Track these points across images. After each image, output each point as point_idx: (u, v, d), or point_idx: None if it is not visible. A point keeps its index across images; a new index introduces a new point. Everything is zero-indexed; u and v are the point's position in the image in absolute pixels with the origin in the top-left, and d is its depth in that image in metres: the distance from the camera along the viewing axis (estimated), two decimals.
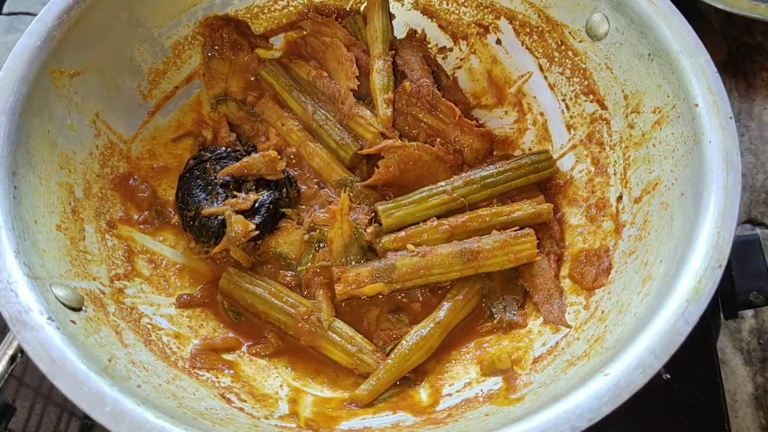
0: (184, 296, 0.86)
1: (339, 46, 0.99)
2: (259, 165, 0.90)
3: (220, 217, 0.87)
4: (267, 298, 0.84)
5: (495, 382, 0.76)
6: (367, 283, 0.82)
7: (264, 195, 0.89)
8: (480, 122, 1.01)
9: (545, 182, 0.94)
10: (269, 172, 0.91)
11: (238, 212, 0.87)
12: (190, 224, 0.89)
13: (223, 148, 0.94)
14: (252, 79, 1.02)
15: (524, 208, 0.88)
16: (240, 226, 0.85)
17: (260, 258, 0.89)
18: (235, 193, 0.89)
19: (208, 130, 1.01)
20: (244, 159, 0.91)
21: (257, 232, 0.86)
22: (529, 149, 0.98)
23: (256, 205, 0.88)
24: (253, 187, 0.91)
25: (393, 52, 0.98)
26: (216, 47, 1.00)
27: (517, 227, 0.86)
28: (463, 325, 0.85)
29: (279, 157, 0.91)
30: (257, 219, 0.88)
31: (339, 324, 0.83)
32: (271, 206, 0.89)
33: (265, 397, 0.77)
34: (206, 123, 1.01)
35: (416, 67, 0.98)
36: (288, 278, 0.88)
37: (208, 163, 0.92)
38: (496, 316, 0.85)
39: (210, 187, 0.90)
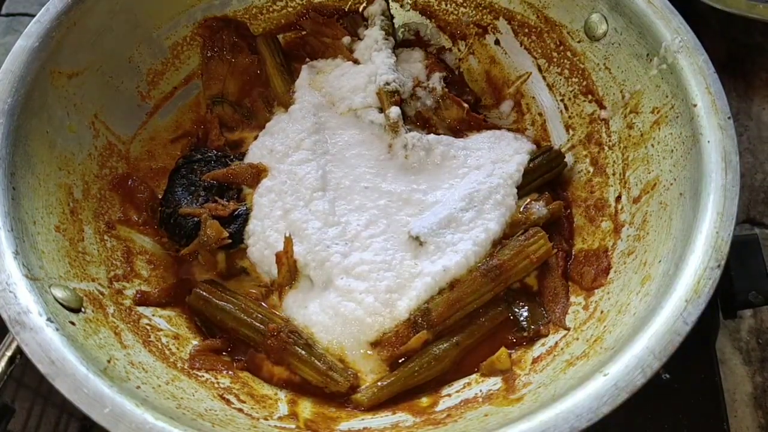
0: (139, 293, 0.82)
1: (339, 46, 0.99)
2: (245, 175, 0.90)
3: (196, 219, 0.86)
4: (236, 314, 0.82)
5: (494, 383, 0.76)
6: (409, 337, 0.79)
7: (243, 206, 0.88)
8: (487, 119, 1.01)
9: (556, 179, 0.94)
10: (253, 184, 0.90)
11: (215, 217, 0.86)
12: (167, 221, 0.88)
13: (214, 152, 0.94)
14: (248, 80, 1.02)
15: (539, 212, 0.88)
16: (213, 231, 0.84)
17: (227, 272, 0.88)
18: (217, 198, 0.89)
19: (204, 130, 1.00)
20: (232, 166, 0.90)
21: (230, 241, 0.85)
22: None
23: (235, 214, 0.87)
24: (235, 196, 0.90)
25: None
26: (216, 48, 0.99)
27: (522, 230, 0.86)
28: (488, 336, 0.83)
29: (266, 169, 0.90)
30: (232, 228, 0.86)
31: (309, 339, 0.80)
32: (247, 218, 0.88)
33: (264, 398, 0.77)
34: (204, 124, 1.01)
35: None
36: (258, 288, 0.86)
37: (196, 164, 0.91)
38: (524, 327, 0.82)
39: (193, 188, 0.90)
